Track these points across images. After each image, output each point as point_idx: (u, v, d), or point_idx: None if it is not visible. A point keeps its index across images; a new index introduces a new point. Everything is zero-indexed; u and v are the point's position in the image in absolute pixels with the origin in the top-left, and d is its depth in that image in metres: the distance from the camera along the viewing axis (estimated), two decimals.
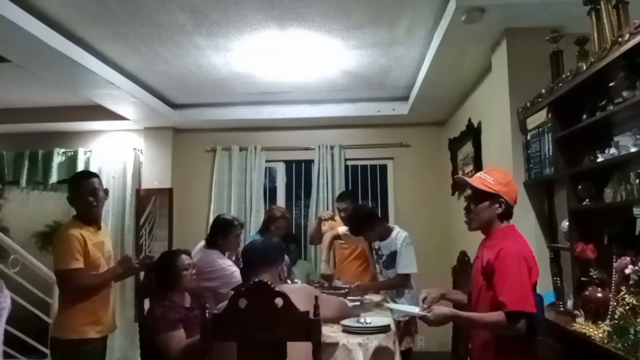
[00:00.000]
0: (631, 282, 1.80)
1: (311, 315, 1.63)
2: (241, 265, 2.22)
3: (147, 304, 2.60)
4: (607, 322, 1.86)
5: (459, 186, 4.27)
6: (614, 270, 1.92)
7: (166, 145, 5.15)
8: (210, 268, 2.99)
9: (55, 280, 2.59)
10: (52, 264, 2.53)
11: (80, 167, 5.08)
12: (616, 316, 1.81)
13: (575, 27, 2.38)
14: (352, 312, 2.49)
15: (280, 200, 5.27)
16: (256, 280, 1.70)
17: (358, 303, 2.99)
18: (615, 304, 1.87)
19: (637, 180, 1.88)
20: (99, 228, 2.66)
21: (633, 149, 1.89)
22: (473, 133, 3.90)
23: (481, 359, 1.93)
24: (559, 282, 2.50)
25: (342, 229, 3.65)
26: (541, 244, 2.67)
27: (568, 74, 2.23)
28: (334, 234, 3.72)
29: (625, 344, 1.63)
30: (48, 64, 3.27)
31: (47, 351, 3.93)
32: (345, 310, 2.32)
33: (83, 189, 2.55)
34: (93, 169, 4.94)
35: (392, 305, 2.79)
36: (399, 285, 3.24)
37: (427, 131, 5.14)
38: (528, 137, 2.70)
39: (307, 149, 5.16)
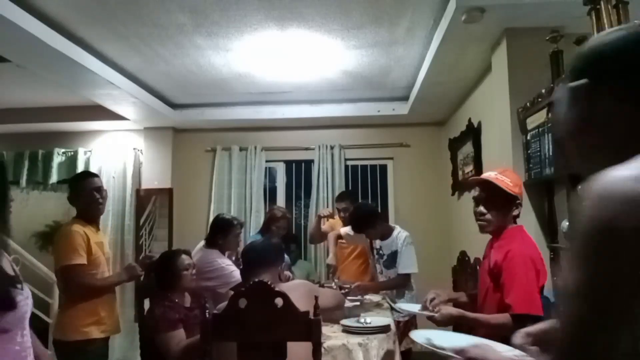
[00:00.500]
0: None
1: (311, 315, 1.63)
2: (241, 266, 2.22)
3: (147, 304, 2.60)
4: None
5: (463, 187, 4.27)
6: None
7: (166, 145, 5.16)
8: (209, 267, 2.99)
9: (56, 280, 2.59)
10: (53, 263, 2.54)
11: (80, 167, 5.08)
12: None
13: (575, 27, 2.37)
14: (344, 299, 2.58)
15: (280, 200, 5.27)
16: (256, 280, 1.70)
17: (358, 303, 2.99)
18: None
19: None
20: (98, 229, 2.67)
21: None
22: (473, 133, 3.90)
23: None
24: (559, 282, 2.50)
25: (344, 229, 3.67)
26: (541, 244, 2.67)
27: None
28: (337, 234, 3.75)
29: None
30: (48, 64, 3.27)
31: (48, 351, 3.94)
32: (340, 299, 2.39)
33: (88, 186, 2.57)
34: (93, 169, 4.94)
35: (399, 305, 2.79)
36: (400, 286, 3.24)
37: (427, 131, 5.14)
38: (528, 137, 2.70)
39: (307, 149, 5.16)
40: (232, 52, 3.50)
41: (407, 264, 3.18)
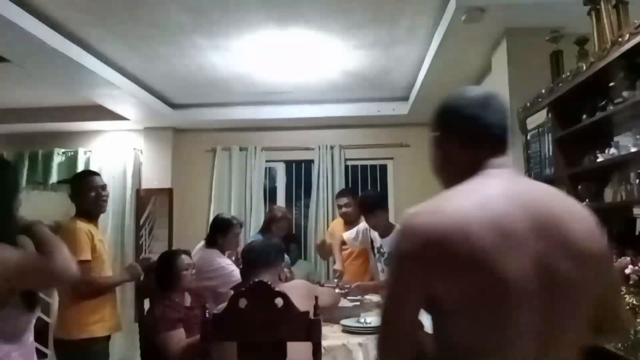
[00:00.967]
0: (631, 282, 1.80)
1: (311, 315, 1.63)
2: (241, 266, 2.22)
3: (147, 304, 2.61)
4: None
5: None
6: None
7: (166, 145, 5.15)
8: (209, 267, 3.00)
9: None
10: None
11: (80, 167, 5.07)
12: None
13: (575, 27, 2.37)
14: (339, 297, 2.64)
15: (280, 201, 5.27)
16: (256, 280, 1.70)
17: (358, 303, 2.99)
18: None
19: (637, 180, 1.88)
20: (97, 227, 2.67)
21: (633, 149, 1.89)
22: None
23: None
24: None
25: (346, 234, 3.68)
26: None
27: (568, 74, 2.23)
28: (340, 240, 3.75)
29: (625, 344, 1.63)
30: (48, 64, 3.27)
31: (48, 351, 3.94)
32: (337, 297, 2.43)
33: (92, 184, 2.58)
34: (93, 169, 4.93)
35: None
36: None
37: (427, 131, 5.09)
38: (528, 137, 2.70)
39: (307, 149, 5.15)
40: (232, 52, 3.50)
41: None
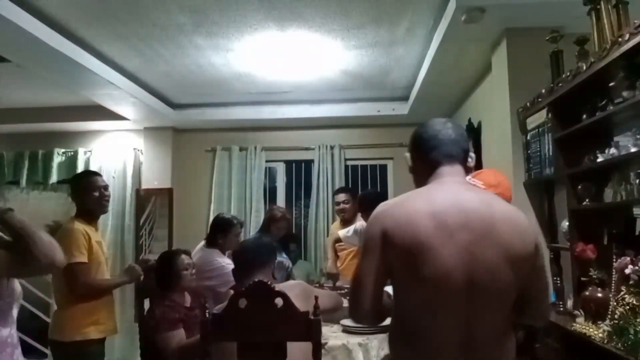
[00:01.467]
0: (631, 282, 1.80)
1: (311, 315, 1.63)
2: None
3: (147, 304, 2.60)
4: (607, 322, 1.86)
5: None
6: (614, 270, 1.92)
7: (166, 145, 5.15)
8: (209, 267, 2.99)
9: (52, 279, 2.58)
10: None
11: (80, 167, 5.08)
12: (616, 316, 1.81)
13: (575, 27, 2.37)
14: (342, 300, 2.52)
15: (280, 200, 5.27)
16: (255, 280, 1.70)
17: None
18: (615, 304, 1.87)
19: (637, 180, 1.88)
20: (97, 229, 2.66)
21: (633, 149, 1.89)
22: (473, 133, 3.89)
23: None
24: (558, 282, 2.50)
25: (342, 232, 3.67)
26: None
27: (568, 74, 2.23)
28: (334, 238, 3.74)
29: (625, 344, 1.63)
30: (48, 64, 3.27)
31: (47, 351, 3.94)
32: (338, 300, 2.36)
33: (95, 184, 2.56)
34: (93, 169, 4.93)
35: None
36: None
37: None
38: (528, 137, 2.70)
39: (307, 149, 5.16)
40: (232, 52, 3.50)
41: None
